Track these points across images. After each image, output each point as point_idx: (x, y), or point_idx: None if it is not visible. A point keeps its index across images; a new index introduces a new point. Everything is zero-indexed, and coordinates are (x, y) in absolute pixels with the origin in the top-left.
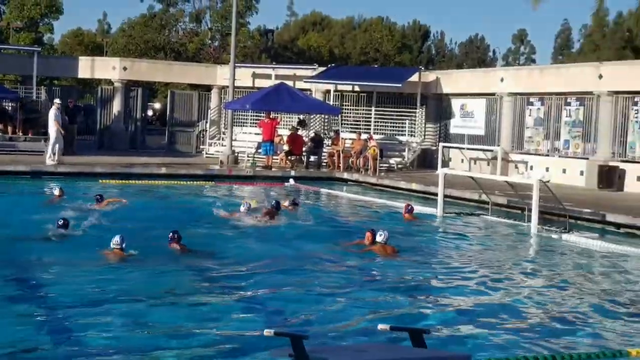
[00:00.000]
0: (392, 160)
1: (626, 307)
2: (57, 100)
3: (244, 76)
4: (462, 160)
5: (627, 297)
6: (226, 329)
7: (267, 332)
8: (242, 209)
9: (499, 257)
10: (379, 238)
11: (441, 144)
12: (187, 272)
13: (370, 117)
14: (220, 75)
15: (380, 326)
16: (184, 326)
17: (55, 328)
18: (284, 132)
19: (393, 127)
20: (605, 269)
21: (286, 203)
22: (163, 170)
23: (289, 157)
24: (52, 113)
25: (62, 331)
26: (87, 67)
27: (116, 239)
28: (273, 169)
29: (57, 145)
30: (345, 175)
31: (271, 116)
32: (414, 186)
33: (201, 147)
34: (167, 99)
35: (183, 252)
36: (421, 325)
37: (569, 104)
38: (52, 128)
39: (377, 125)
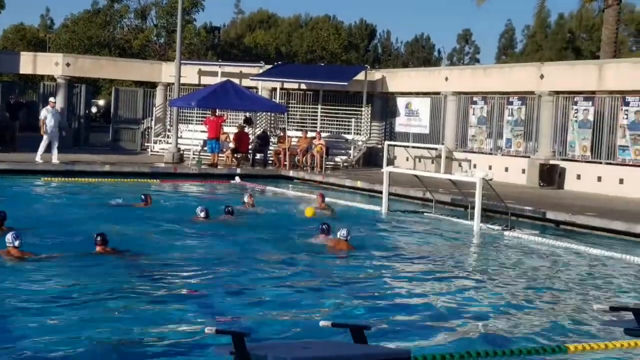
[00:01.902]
0: (337, 158)
1: (566, 302)
2: (51, 99)
3: (190, 73)
4: (407, 159)
5: (567, 292)
6: (167, 328)
7: (209, 330)
8: (201, 214)
9: (441, 254)
10: (339, 234)
11: (386, 142)
12: (123, 272)
13: (317, 115)
14: (166, 72)
15: (322, 323)
16: (122, 326)
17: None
18: (230, 129)
19: (339, 125)
20: (544, 264)
21: (245, 199)
22: (107, 168)
23: (235, 155)
24: (42, 114)
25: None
26: (29, 63)
27: (9, 237)
28: (219, 167)
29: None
30: (291, 173)
31: (217, 114)
32: (359, 184)
33: (146, 144)
34: (112, 96)
35: (110, 254)
36: (363, 322)
37: (511, 103)
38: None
39: (323, 123)
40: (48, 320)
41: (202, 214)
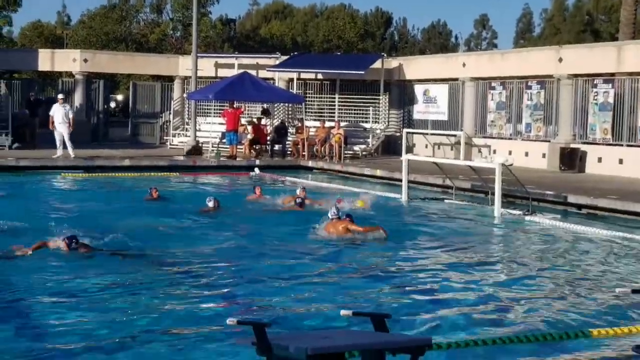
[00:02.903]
0: (356, 147)
1: (587, 286)
2: (59, 95)
3: (207, 66)
4: (426, 146)
5: (588, 277)
6: (188, 320)
7: (230, 320)
8: (209, 204)
9: (462, 241)
10: (330, 214)
11: (405, 130)
12: (143, 265)
13: (334, 105)
14: (183, 65)
15: (342, 312)
16: (145, 321)
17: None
18: (247, 122)
19: (357, 114)
20: (567, 249)
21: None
22: (126, 163)
23: (254, 147)
24: (51, 110)
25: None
26: (47, 60)
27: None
28: (238, 159)
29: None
30: (310, 164)
31: (235, 106)
32: (379, 172)
33: (165, 138)
34: (130, 91)
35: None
36: (384, 310)
37: (530, 87)
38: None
39: (341, 113)
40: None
41: (211, 204)
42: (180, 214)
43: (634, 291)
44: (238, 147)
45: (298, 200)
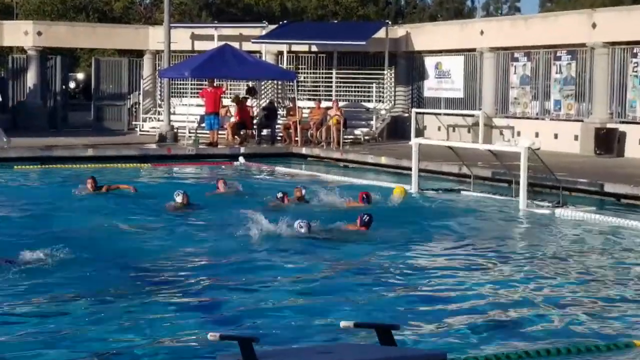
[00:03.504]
0: (357, 131)
1: (630, 290)
2: None
3: (182, 38)
4: (439, 128)
5: (630, 278)
6: (166, 334)
7: (212, 335)
8: (177, 199)
9: (482, 239)
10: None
11: (414, 110)
12: (117, 272)
13: (331, 82)
14: (153, 38)
15: (343, 323)
16: (120, 332)
17: None
18: (229, 102)
19: (357, 92)
20: (605, 247)
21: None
22: (90, 152)
23: (238, 132)
24: None
25: None
26: None
27: None
28: (220, 146)
29: None
30: (304, 151)
31: (215, 84)
32: (384, 160)
33: (134, 123)
34: (92, 68)
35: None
36: (390, 320)
37: (559, 58)
38: None
39: (340, 91)
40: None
41: (180, 199)
42: (152, 212)
43: None
44: (220, 132)
45: (279, 195)
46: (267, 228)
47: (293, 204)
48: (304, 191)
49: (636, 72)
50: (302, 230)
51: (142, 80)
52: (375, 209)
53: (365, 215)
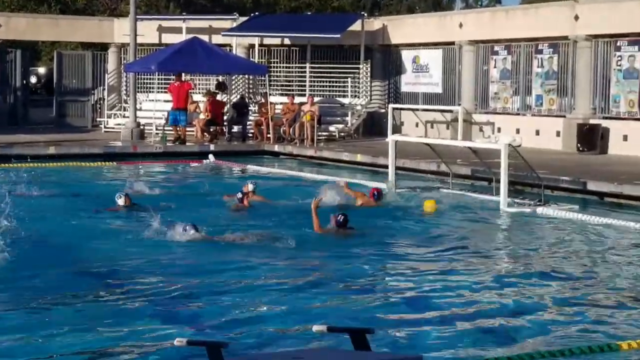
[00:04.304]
0: (332, 128)
1: (615, 292)
2: None
3: (148, 31)
4: (417, 124)
5: (613, 280)
6: (131, 341)
7: (179, 341)
8: (119, 202)
9: (461, 239)
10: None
11: (391, 106)
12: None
13: (305, 76)
14: (119, 30)
15: (315, 327)
16: (82, 337)
17: None
18: (199, 97)
19: (332, 87)
20: (587, 246)
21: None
22: (51, 151)
23: (209, 128)
24: None
25: None
26: None
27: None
28: (188, 143)
29: None
30: (277, 148)
31: (182, 79)
32: (360, 158)
33: (98, 119)
34: (54, 62)
35: None
36: (365, 324)
37: (540, 51)
38: None
39: (313, 86)
40: None
41: (121, 202)
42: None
43: None
44: (188, 129)
45: (239, 196)
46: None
47: (252, 202)
48: (251, 186)
49: (620, 65)
50: (191, 233)
51: (106, 75)
52: (349, 209)
53: (340, 216)
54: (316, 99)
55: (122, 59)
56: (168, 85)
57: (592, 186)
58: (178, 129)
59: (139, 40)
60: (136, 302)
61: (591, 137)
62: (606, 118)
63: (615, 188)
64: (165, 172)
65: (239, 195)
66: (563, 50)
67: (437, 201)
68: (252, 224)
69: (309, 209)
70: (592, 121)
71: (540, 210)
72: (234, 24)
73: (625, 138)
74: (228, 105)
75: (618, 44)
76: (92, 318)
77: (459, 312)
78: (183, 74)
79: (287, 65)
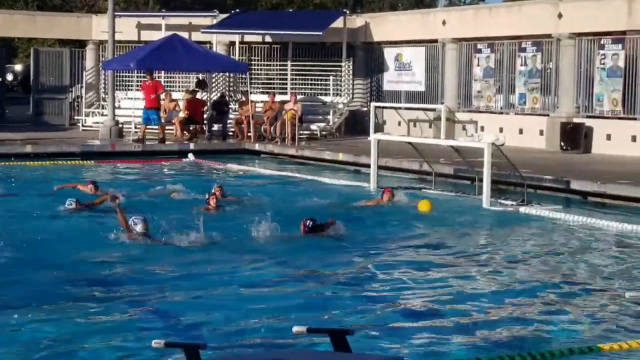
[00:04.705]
0: (314, 126)
1: (595, 292)
2: None
3: (127, 28)
4: (399, 123)
5: (596, 281)
6: (104, 342)
7: (156, 343)
8: (69, 207)
9: (443, 239)
10: None
11: (373, 104)
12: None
13: (286, 74)
14: (97, 27)
15: (295, 329)
16: (57, 341)
17: None
18: (178, 95)
19: (314, 85)
20: (571, 246)
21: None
22: (28, 149)
23: (189, 127)
24: None
25: None
26: None
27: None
28: (167, 142)
29: None
30: (257, 147)
31: (153, 77)
32: (342, 157)
33: (76, 118)
34: (31, 59)
35: None
36: (345, 325)
37: (523, 50)
38: None
39: (295, 84)
40: None
41: (72, 207)
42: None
43: None
44: (167, 127)
45: (206, 197)
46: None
47: (222, 203)
48: (218, 188)
49: (603, 64)
50: (137, 228)
51: (84, 72)
52: (332, 209)
53: (309, 221)
54: (298, 97)
55: (101, 56)
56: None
57: (575, 185)
58: (156, 128)
59: (118, 37)
60: (109, 305)
61: (575, 136)
62: (590, 117)
63: (598, 187)
64: (142, 172)
65: (206, 196)
66: (546, 49)
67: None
68: (220, 225)
69: (284, 209)
70: (575, 120)
71: (523, 209)
72: (214, 21)
73: (608, 137)
74: (208, 104)
75: (602, 42)
76: (61, 322)
77: (440, 313)
78: (156, 73)
79: (268, 63)
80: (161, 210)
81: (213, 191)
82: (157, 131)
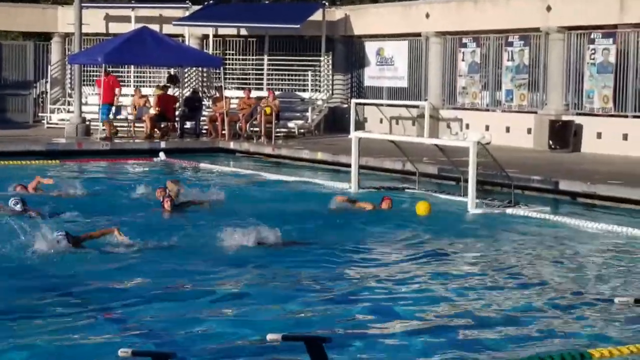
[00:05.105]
0: (291, 124)
1: (584, 297)
2: None
3: (95, 20)
4: (381, 120)
5: (585, 285)
6: (73, 353)
7: (123, 352)
8: (16, 207)
9: (426, 242)
10: None
11: (353, 101)
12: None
13: (262, 69)
14: (63, 19)
15: (270, 336)
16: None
17: None
18: (148, 91)
19: (292, 80)
20: (559, 250)
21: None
22: None
23: (160, 124)
24: None
25: None
26: None
27: None
28: (137, 140)
29: None
30: (232, 145)
31: (108, 71)
32: (320, 156)
33: (40, 114)
34: None
35: None
36: (322, 332)
37: (510, 44)
38: None
39: (271, 79)
40: None
41: (19, 207)
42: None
43: (638, 301)
44: (137, 124)
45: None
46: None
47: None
48: (172, 187)
49: (594, 59)
50: (62, 244)
51: (49, 67)
52: (311, 211)
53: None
54: (276, 93)
55: (67, 49)
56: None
57: (564, 186)
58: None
59: (85, 29)
60: (70, 314)
61: (564, 135)
62: (579, 114)
63: (588, 188)
64: (110, 172)
65: (159, 196)
66: (534, 43)
67: (397, 202)
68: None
69: (258, 211)
70: (564, 117)
71: (509, 211)
72: (187, 13)
73: (599, 135)
74: (180, 100)
75: (592, 36)
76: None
77: (420, 319)
78: (109, 67)
79: (244, 57)
80: (122, 212)
81: (168, 193)
82: (126, 128)
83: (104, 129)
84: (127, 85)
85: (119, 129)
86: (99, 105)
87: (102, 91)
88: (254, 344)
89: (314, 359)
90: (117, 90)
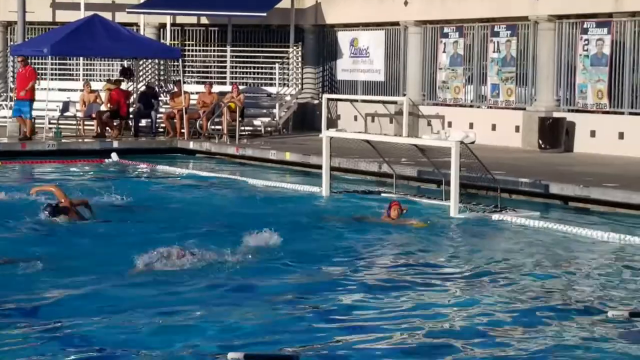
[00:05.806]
0: (257, 121)
1: (575, 308)
2: None
3: (40, 7)
4: (356, 118)
5: (577, 297)
6: None
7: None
8: None
9: (404, 250)
10: None
11: (325, 96)
12: None
13: (225, 61)
14: (4, 5)
15: (231, 355)
16: None
17: None
18: (99, 86)
19: (257, 74)
20: (548, 258)
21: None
22: None
23: (112, 122)
24: None
25: None
26: None
27: None
28: (87, 140)
29: None
30: (192, 145)
31: (26, 63)
32: (289, 156)
33: None
34: None
35: None
36: (290, 350)
37: (496, 34)
38: None
39: (235, 73)
40: None
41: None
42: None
43: (633, 314)
44: (87, 122)
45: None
46: None
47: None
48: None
49: (587, 50)
50: None
51: None
52: (279, 217)
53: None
54: (241, 87)
55: (9, 39)
56: (62, 72)
57: (555, 189)
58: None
59: (29, 18)
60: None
61: (554, 133)
62: (571, 111)
63: (581, 191)
64: (56, 174)
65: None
66: (522, 33)
67: (381, 208)
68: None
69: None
70: (555, 114)
71: (495, 217)
72: (142, 0)
73: (592, 134)
74: (134, 95)
75: (585, 25)
76: None
77: (397, 331)
78: (28, 58)
79: (205, 48)
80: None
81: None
82: (74, 127)
83: (51, 127)
84: (76, 80)
85: (66, 127)
86: (14, 100)
87: (17, 84)
88: None
89: None
90: (30, 83)
